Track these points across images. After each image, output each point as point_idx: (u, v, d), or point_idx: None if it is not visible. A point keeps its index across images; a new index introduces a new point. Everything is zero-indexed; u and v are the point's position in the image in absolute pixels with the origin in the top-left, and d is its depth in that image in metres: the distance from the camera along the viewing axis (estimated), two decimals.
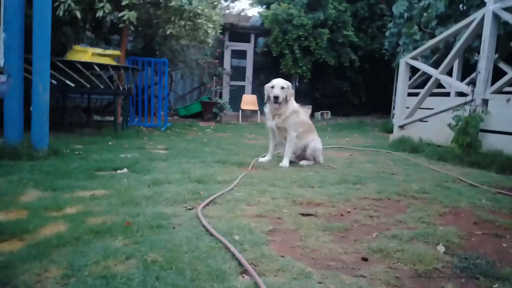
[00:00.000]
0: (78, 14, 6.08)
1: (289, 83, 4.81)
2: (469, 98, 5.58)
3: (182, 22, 7.64)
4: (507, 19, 5.46)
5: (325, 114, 13.29)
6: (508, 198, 3.47)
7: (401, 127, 7.32)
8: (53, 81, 5.57)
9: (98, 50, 6.77)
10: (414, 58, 7.35)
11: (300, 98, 12.99)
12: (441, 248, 2.27)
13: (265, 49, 13.06)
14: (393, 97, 11.08)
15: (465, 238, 2.47)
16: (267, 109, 4.95)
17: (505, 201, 3.33)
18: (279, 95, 4.59)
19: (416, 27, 9.30)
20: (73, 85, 6.03)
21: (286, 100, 4.72)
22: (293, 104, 4.83)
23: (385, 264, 2.05)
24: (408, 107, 7.36)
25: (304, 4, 12.09)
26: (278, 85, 4.66)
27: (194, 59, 11.06)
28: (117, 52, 7.36)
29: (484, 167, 4.93)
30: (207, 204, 2.92)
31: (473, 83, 5.73)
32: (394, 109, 9.50)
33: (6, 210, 2.56)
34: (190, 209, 2.80)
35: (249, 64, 13.69)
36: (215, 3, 8.84)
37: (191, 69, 11.47)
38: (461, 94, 7.16)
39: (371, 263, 2.06)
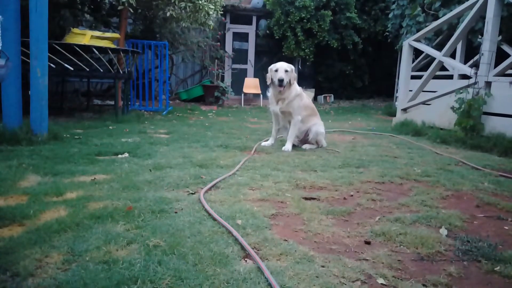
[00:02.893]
0: None
1: (292, 67, 4.74)
2: (472, 80, 5.53)
3: (183, 4, 7.52)
4: (511, 0, 5.36)
5: (328, 97, 13.21)
6: (510, 181, 3.47)
7: (404, 110, 7.28)
8: (52, 65, 5.51)
9: (97, 33, 6.68)
10: (417, 40, 7.26)
11: (303, 81, 12.93)
12: (443, 231, 2.27)
13: (267, 32, 12.92)
14: (396, 80, 10.98)
15: (467, 221, 2.48)
16: (270, 93, 4.89)
17: (507, 184, 3.33)
18: (283, 78, 4.54)
19: (419, 8, 9.14)
20: (72, 68, 5.98)
21: (289, 83, 4.68)
22: (296, 88, 4.80)
23: (387, 247, 2.05)
24: (411, 90, 7.31)
25: None
26: (282, 68, 4.60)
27: (195, 41, 10.93)
28: (116, 35, 7.27)
29: (486, 150, 4.92)
30: (210, 189, 2.92)
31: (476, 65, 5.67)
32: (397, 92, 9.42)
33: (5, 196, 2.56)
34: (192, 193, 2.79)
35: (251, 47, 13.55)
36: None
37: (192, 52, 11.35)
38: (464, 76, 7.09)
39: (374, 246, 2.06)
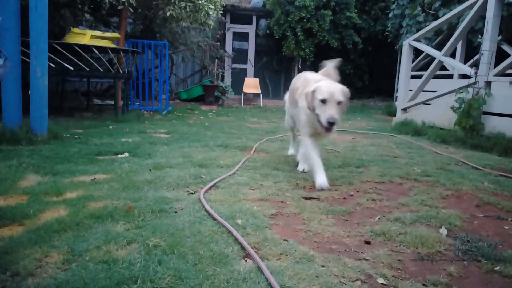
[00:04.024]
0: None
1: (347, 90, 3.10)
2: (472, 80, 5.52)
3: (183, 4, 7.53)
4: (511, 0, 5.36)
5: None
6: (510, 180, 3.47)
7: (404, 110, 7.28)
8: (52, 65, 5.52)
9: (97, 33, 6.69)
10: (417, 40, 7.26)
11: None
12: (443, 231, 2.27)
13: (267, 31, 12.92)
14: (396, 79, 10.99)
15: (467, 221, 2.47)
16: (304, 116, 3.28)
17: (507, 184, 3.33)
18: (336, 119, 2.91)
19: (419, 8, 9.15)
20: (72, 68, 5.98)
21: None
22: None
23: (387, 247, 2.04)
24: (411, 90, 7.31)
25: None
26: (334, 98, 2.95)
27: (195, 41, 10.95)
28: (116, 35, 7.27)
29: (486, 150, 4.92)
30: (210, 188, 2.92)
31: (476, 65, 5.67)
32: (397, 91, 9.43)
33: (5, 195, 2.55)
34: (192, 193, 2.79)
35: (251, 46, 13.55)
36: None
37: (192, 51, 11.37)
38: (464, 76, 7.09)
39: (374, 246, 2.05)
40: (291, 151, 4.22)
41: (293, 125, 3.98)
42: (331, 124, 2.89)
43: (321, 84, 3.03)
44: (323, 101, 2.95)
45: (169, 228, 2.09)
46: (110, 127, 5.81)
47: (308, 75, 3.57)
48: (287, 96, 4.05)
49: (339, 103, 2.97)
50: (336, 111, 2.93)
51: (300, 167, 3.63)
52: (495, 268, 1.84)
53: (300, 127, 3.40)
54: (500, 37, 6.18)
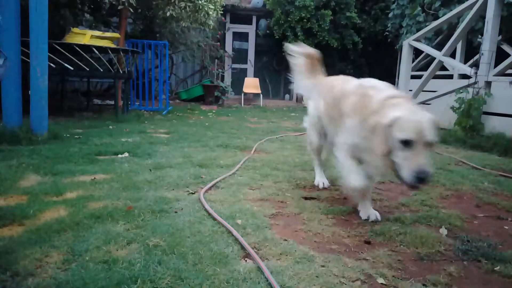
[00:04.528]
0: None
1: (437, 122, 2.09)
2: (472, 80, 5.53)
3: (183, 4, 7.53)
4: (511, 0, 5.37)
5: None
6: (510, 180, 3.47)
7: None
8: (52, 65, 5.52)
9: (97, 33, 6.68)
10: (417, 40, 7.26)
11: None
12: (443, 231, 2.28)
13: (267, 31, 12.93)
14: (396, 79, 10.98)
15: (467, 221, 2.48)
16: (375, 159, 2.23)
17: (507, 184, 3.33)
18: (429, 175, 1.92)
19: (419, 8, 9.15)
20: (72, 68, 5.98)
21: None
22: None
23: (387, 247, 2.05)
24: (411, 90, 7.31)
25: None
26: (424, 140, 1.93)
27: (195, 41, 10.95)
28: (116, 35, 7.26)
29: (486, 150, 4.93)
30: (210, 188, 2.92)
31: (476, 65, 5.68)
32: None
33: (5, 195, 2.55)
34: (192, 193, 2.79)
35: (251, 46, 13.56)
36: None
37: (192, 51, 11.37)
38: (464, 76, 7.09)
39: (374, 246, 2.06)
40: (320, 180, 3.17)
41: (323, 143, 2.97)
42: (421, 181, 1.91)
43: (404, 115, 1.98)
44: (407, 143, 1.93)
45: (169, 228, 2.09)
46: (110, 127, 5.81)
47: (365, 82, 2.45)
48: (313, 109, 3.04)
49: (429, 144, 1.96)
50: (427, 159, 1.94)
51: (319, 182, 3.15)
52: (495, 268, 1.84)
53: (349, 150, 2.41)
54: (500, 37, 6.18)
